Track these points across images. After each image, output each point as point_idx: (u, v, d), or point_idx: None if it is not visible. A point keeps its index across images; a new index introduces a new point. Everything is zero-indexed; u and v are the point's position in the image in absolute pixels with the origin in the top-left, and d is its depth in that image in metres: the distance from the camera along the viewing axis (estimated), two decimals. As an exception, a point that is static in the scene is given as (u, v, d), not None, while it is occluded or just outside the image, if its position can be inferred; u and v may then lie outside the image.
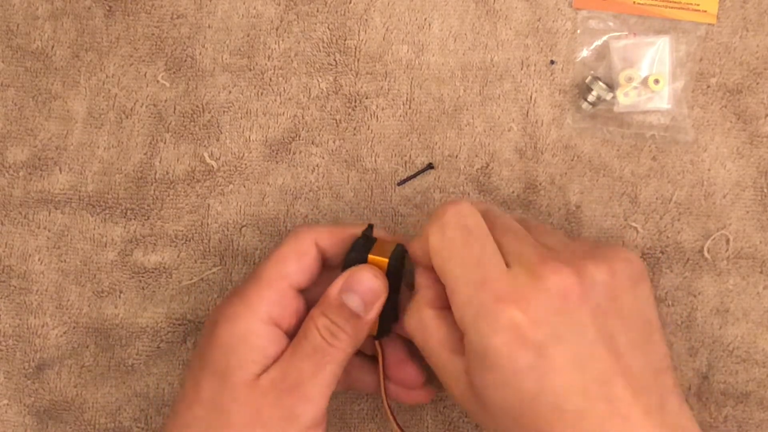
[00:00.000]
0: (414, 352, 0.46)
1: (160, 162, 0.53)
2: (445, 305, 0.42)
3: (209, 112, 0.53)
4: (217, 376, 0.43)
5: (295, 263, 0.45)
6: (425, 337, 0.42)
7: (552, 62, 0.52)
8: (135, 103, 0.53)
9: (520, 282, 0.39)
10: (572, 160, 0.52)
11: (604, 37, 0.52)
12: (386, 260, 0.44)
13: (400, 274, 0.45)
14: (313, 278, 0.46)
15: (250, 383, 0.42)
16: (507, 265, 0.40)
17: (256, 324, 0.43)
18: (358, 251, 0.44)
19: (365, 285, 0.43)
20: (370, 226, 0.46)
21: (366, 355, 0.48)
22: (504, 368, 0.38)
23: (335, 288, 0.44)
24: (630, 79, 0.51)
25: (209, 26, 0.53)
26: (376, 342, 0.46)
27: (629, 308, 0.40)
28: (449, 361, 0.41)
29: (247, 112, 0.53)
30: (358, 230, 0.46)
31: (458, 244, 0.41)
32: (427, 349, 0.42)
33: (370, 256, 0.44)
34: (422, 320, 0.42)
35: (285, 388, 0.42)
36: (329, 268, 0.46)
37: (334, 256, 0.46)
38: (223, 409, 0.42)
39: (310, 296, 0.46)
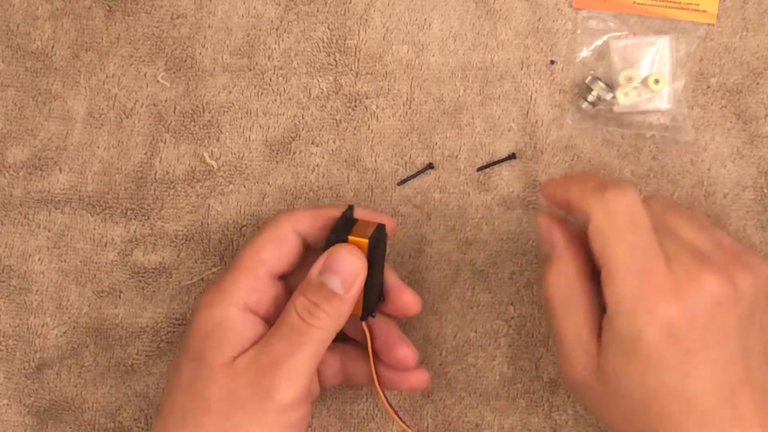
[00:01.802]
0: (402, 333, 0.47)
1: (160, 162, 0.53)
2: (590, 276, 0.42)
3: (209, 112, 0.53)
4: (194, 361, 0.43)
5: (272, 250, 0.45)
6: (568, 303, 0.42)
7: (552, 62, 0.52)
8: (135, 103, 0.53)
9: (680, 280, 0.40)
10: (572, 160, 0.52)
11: (604, 37, 0.52)
12: (366, 240, 0.44)
13: (383, 255, 0.45)
14: (294, 264, 0.46)
15: (226, 365, 0.42)
16: (669, 259, 0.41)
17: (231, 310, 0.44)
18: (337, 233, 0.44)
19: (344, 264, 0.43)
20: (350, 207, 0.46)
21: (360, 344, 0.48)
22: (651, 360, 0.39)
23: (315, 269, 0.44)
24: (630, 79, 0.51)
25: (209, 26, 0.53)
26: (364, 324, 0.46)
27: (765, 321, 0.42)
28: (588, 338, 0.41)
29: (247, 112, 0.53)
30: (338, 212, 0.46)
31: (626, 232, 0.41)
32: (565, 316, 0.42)
33: (350, 237, 0.44)
34: (570, 285, 0.42)
35: (261, 368, 0.42)
36: (313, 252, 0.46)
37: (316, 240, 0.46)
38: (200, 393, 0.42)
39: (295, 282, 0.46)
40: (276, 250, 0.45)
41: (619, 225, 0.41)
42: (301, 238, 0.46)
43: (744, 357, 0.40)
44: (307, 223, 0.46)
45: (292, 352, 0.42)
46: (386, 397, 0.47)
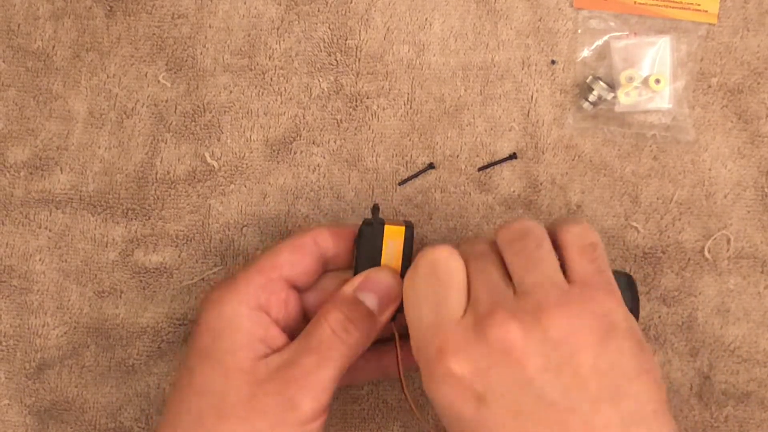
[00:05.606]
0: None
1: (161, 162, 0.53)
2: None
3: (210, 112, 0.53)
4: (210, 362, 0.43)
5: (288, 255, 0.45)
6: None
7: (553, 62, 0.52)
8: (136, 103, 0.53)
9: (465, 333, 0.39)
10: (573, 160, 0.52)
11: (605, 37, 0.52)
12: (403, 227, 0.44)
13: (411, 252, 0.45)
14: (310, 276, 0.45)
15: (247, 370, 0.42)
16: (466, 310, 0.40)
17: (241, 307, 0.43)
18: (372, 222, 0.44)
19: (383, 285, 0.44)
20: (377, 206, 0.46)
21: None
22: (450, 417, 0.39)
23: (351, 286, 0.44)
24: (631, 79, 0.51)
25: (210, 26, 0.53)
26: (392, 324, 0.45)
27: (591, 365, 0.38)
28: None
29: (248, 112, 0.53)
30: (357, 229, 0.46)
31: (423, 288, 0.41)
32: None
33: (387, 225, 0.44)
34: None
35: (287, 379, 0.42)
36: (332, 275, 0.46)
37: (336, 256, 0.46)
38: (218, 396, 0.42)
39: (312, 300, 0.46)
40: (292, 255, 0.45)
41: (417, 284, 0.41)
42: (320, 250, 0.45)
43: (558, 404, 0.37)
44: (327, 236, 0.45)
45: (321, 365, 0.42)
46: (408, 395, 0.46)
